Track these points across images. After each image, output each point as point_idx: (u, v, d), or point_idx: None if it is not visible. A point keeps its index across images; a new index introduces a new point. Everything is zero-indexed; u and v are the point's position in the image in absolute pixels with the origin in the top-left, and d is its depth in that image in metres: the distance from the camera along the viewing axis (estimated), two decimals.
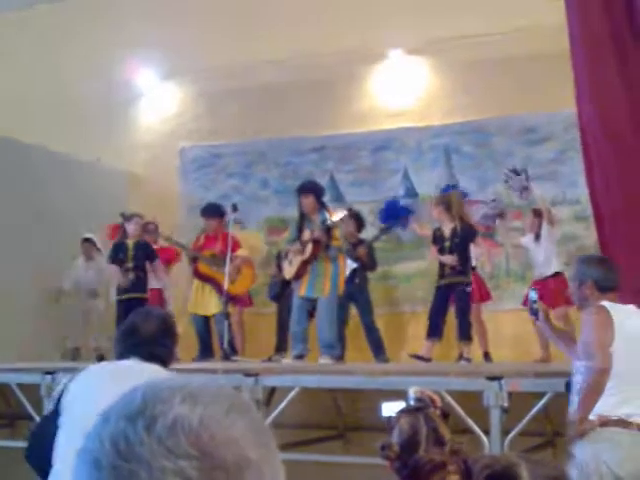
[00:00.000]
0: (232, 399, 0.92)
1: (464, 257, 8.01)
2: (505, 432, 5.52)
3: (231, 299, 8.80)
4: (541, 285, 8.09)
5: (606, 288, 4.31)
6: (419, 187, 10.27)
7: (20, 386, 7.34)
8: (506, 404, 5.54)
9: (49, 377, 7.16)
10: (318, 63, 10.28)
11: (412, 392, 2.94)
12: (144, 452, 0.83)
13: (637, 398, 4.20)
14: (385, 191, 10.42)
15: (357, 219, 9.24)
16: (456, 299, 7.93)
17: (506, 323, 9.22)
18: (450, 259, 7.96)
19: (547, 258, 8.23)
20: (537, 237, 8.34)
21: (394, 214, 9.95)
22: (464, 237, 8.05)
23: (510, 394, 5.59)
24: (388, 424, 2.82)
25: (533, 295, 5.22)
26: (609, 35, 6.08)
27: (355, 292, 8.96)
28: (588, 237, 9.11)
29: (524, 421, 5.67)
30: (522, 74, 9.71)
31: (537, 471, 1.11)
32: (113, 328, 9.02)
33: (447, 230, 8.10)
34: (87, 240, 9.89)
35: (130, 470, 0.83)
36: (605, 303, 4.26)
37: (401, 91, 10.66)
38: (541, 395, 5.73)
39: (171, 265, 9.85)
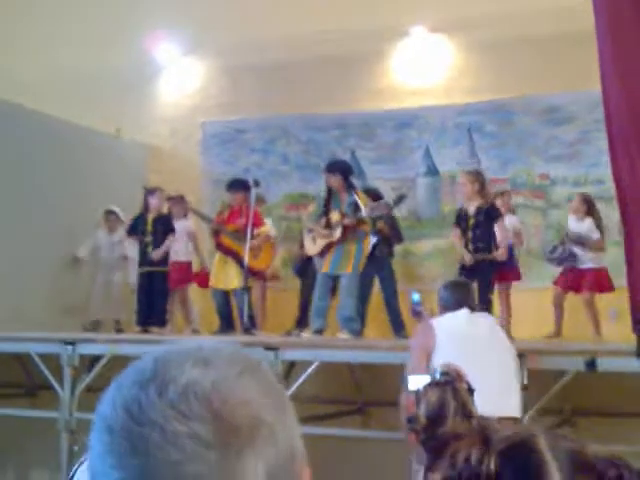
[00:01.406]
0: (245, 362, 0.92)
1: (488, 235, 7.98)
2: (524, 410, 5.53)
3: (253, 274, 8.82)
4: (577, 272, 8.17)
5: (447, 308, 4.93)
6: (440, 166, 10.25)
7: (40, 356, 7.39)
8: (525, 381, 5.56)
9: (70, 347, 7.21)
10: (341, 39, 10.25)
11: (439, 366, 2.97)
12: (157, 416, 0.83)
13: None
14: (406, 168, 10.41)
15: (375, 194, 9.23)
16: (479, 276, 7.89)
17: (526, 302, 9.21)
18: (469, 258, 7.93)
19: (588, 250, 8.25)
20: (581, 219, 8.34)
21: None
22: (489, 216, 8.00)
23: (529, 372, 5.61)
24: (416, 397, 2.85)
25: (416, 297, 5.66)
26: (635, 14, 6.02)
27: (377, 266, 8.96)
28: (611, 217, 9.09)
29: (544, 399, 5.68)
30: (546, 53, 9.66)
31: (557, 444, 1.12)
32: (133, 301, 9.14)
33: (472, 208, 8.04)
34: (111, 212, 9.92)
35: (142, 433, 0.83)
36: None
37: (424, 69, 10.62)
38: (561, 374, 5.74)
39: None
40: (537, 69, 9.72)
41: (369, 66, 10.76)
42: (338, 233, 8.03)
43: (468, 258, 7.94)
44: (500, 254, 7.93)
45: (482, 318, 5.04)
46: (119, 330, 9.59)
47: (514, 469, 1.06)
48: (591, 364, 5.51)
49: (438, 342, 4.64)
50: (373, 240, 8.83)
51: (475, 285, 7.82)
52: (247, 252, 8.41)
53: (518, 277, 8.75)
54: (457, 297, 4.90)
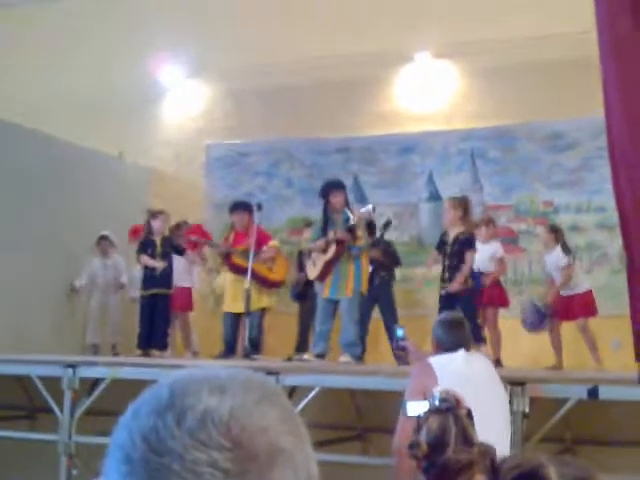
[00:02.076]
0: (262, 388, 0.92)
1: (458, 264, 7.91)
2: (526, 438, 5.51)
3: (270, 286, 8.78)
4: (566, 300, 8.17)
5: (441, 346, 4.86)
6: (443, 191, 10.25)
7: (41, 378, 7.37)
8: (527, 409, 5.53)
9: (70, 370, 7.19)
10: (345, 64, 10.30)
11: (437, 392, 2.95)
12: (176, 445, 0.83)
13: None
14: (409, 193, 10.42)
15: (368, 223, 9.26)
16: (461, 305, 7.86)
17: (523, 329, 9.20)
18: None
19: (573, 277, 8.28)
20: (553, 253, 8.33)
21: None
22: (463, 244, 7.95)
23: (531, 400, 5.59)
24: (417, 424, 2.83)
25: (399, 332, 5.63)
26: (638, 41, 6.04)
27: (376, 293, 8.97)
28: (612, 245, 9.10)
29: (546, 427, 5.65)
30: (550, 79, 9.69)
31: (565, 471, 1.11)
32: (132, 324, 9.13)
33: (452, 235, 8.03)
34: (103, 237, 9.93)
35: (162, 464, 0.83)
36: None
37: (428, 94, 10.65)
38: (562, 402, 5.71)
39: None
40: (540, 95, 9.75)
41: (373, 91, 10.79)
42: (333, 248, 8.04)
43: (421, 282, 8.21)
44: (453, 286, 7.85)
45: (478, 361, 4.97)
46: (116, 354, 9.58)
47: None
48: (593, 392, 5.48)
49: (439, 383, 4.57)
50: (370, 268, 8.82)
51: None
52: (250, 267, 8.33)
53: (505, 303, 8.70)
54: (453, 337, 4.85)
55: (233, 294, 8.98)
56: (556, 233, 8.36)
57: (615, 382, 5.93)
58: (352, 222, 8.00)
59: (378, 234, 9.15)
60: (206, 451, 0.83)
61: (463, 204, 8.15)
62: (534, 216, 9.90)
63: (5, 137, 9.32)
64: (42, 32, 11.36)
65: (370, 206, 8.29)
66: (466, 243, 7.95)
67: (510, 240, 9.58)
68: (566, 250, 8.24)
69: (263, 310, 8.80)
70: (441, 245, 8.18)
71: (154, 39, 11.15)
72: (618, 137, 6.13)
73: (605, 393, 5.57)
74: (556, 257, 8.26)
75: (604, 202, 8.88)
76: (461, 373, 4.54)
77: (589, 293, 8.25)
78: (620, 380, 5.98)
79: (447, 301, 7.83)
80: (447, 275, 7.96)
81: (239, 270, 8.91)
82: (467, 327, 5.04)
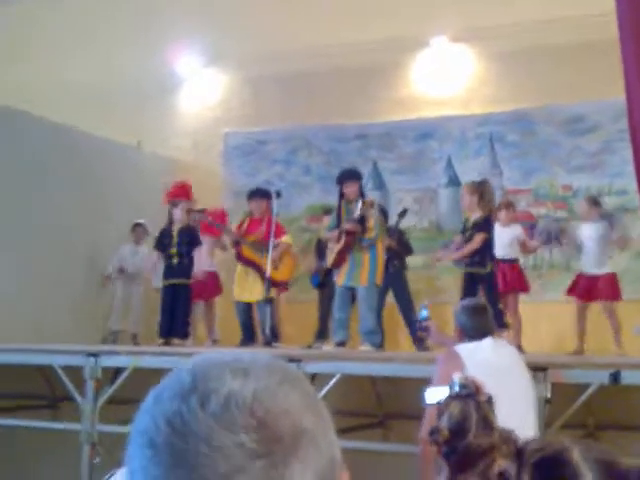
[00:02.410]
0: (284, 371, 0.92)
1: (481, 249, 7.87)
2: (547, 424, 5.48)
3: (274, 285, 8.79)
4: (588, 279, 8.07)
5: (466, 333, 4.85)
6: (462, 176, 10.21)
7: (62, 368, 7.40)
8: (549, 395, 5.51)
9: (92, 359, 7.22)
10: (362, 50, 10.26)
11: (457, 379, 2.94)
12: (201, 429, 0.84)
13: None
14: (428, 179, 10.39)
15: (381, 211, 9.27)
16: (483, 288, 7.86)
17: (548, 314, 9.16)
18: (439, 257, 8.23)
19: (603, 254, 8.21)
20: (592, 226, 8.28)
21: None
22: (477, 227, 7.94)
23: (553, 385, 5.57)
24: (438, 410, 2.82)
25: (424, 313, 5.58)
26: None
27: (390, 280, 8.98)
28: (634, 228, 9.05)
29: (568, 413, 5.62)
30: (567, 62, 9.62)
31: (589, 454, 1.10)
32: (153, 313, 9.16)
33: (471, 220, 8.03)
34: (138, 225, 9.99)
35: (188, 446, 0.84)
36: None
37: (445, 79, 10.61)
38: (584, 387, 5.69)
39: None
40: (559, 78, 9.68)
41: (390, 77, 10.76)
42: (342, 239, 8.06)
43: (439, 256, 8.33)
44: (438, 254, 8.35)
45: (505, 348, 4.97)
46: (136, 343, 9.62)
47: None
48: (615, 377, 5.45)
49: (467, 372, 4.53)
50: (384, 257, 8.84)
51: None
52: (269, 263, 8.38)
53: (525, 288, 8.66)
54: (477, 323, 4.84)
55: (242, 282, 9.00)
56: (597, 205, 8.30)
57: (637, 367, 5.89)
58: (358, 213, 8.02)
59: (394, 223, 9.15)
60: (231, 433, 0.83)
61: (480, 189, 8.10)
62: (553, 200, 9.84)
63: (25, 128, 9.36)
64: (60, 21, 11.36)
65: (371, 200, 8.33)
66: (479, 226, 7.94)
67: (530, 224, 9.51)
68: (609, 222, 8.17)
69: (271, 299, 8.75)
70: (463, 230, 8.18)
71: (171, 28, 11.14)
72: (638, 115, 6.07)
73: (627, 378, 5.54)
74: (595, 230, 8.21)
75: (626, 185, 8.81)
76: (489, 361, 4.53)
77: (613, 275, 8.19)
78: None
79: (470, 286, 7.81)
80: (467, 260, 7.93)
81: (246, 262, 8.94)
82: (490, 313, 5.02)
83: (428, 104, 10.57)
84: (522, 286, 8.62)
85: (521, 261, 8.80)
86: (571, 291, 8.34)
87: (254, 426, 0.84)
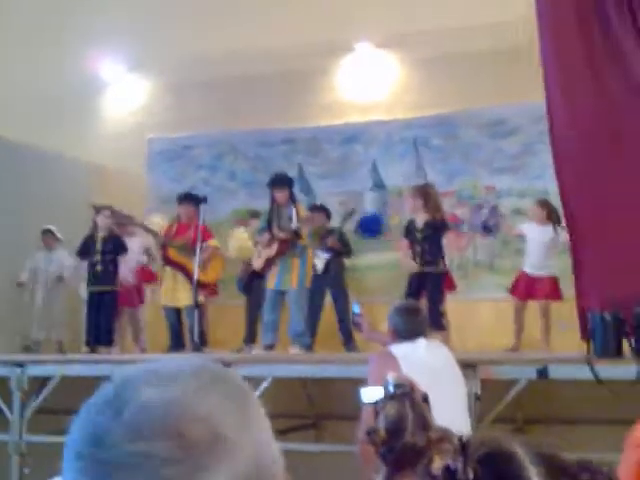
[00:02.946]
0: (208, 376, 0.92)
1: (436, 248, 8.08)
2: (478, 420, 5.59)
3: (203, 287, 8.77)
4: (530, 279, 8.24)
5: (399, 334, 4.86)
6: (387, 180, 10.33)
7: None
8: (479, 391, 5.62)
9: (18, 369, 7.11)
10: (287, 55, 10.28)
11: (391, 378, 2.98)
12: (115, 439, 0.84)
13: None
14: (354, 183, 10.46)
15: (324, 210, 9.38)
16: (428, 288, 7.99)
17: (474, 312, 9.33)
18: (414, 267, 8.08)
19: (546, 256, 8.29)
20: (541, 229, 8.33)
21: (372, 229, 9.96)
22: (437, 229, 8.11)
23: (482, 381, 5.68)
24: (374, 410, 2.86)
25: (356, 308, 5.71)
26: (579, 27, 6.15)
27: (330, 282, 9.05)
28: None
29: (498, 408, 5.74)
30: (488, 67, 9.75)
31: (531, 449, 1.13)
32: (77, 320, 9.05)
33: (420, 222, 8.14)
34: (47, 231, 9.82)
35: (105, 457, 0.84)
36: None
37: (369, 84, 10.69)
38: (512, 383, 5.82)
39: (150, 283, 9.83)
40: (479, 83, 9.82)
41: (315, 82, 10.81)
42: (275, 247, 8.13)
43: (414, 266, 8.07)
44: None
45: (438, 348, 5.02)
46: (62, 351, 9.49)
47: (494, 477, 1.06)
48: (543, 372, 5.59)
49: (402, 372, 4.57)
50: (326, 256, 8.90)
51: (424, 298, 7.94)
52: (197, 268, 8.34)
53: (452, 287, 8.81)
54: (411, 324, 4.87)
55: (170, 287, 8.95)
56: (547, 208, 8.31)
57: (564, 361, 6.05)
58: (296, 224, 8.09)
59: (339, 223, 9.24)
60: (142, 442, 0.83)
61: (423, 192, 8.27)
62: (477, 201, 10.01)
63: None
64: None
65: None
66: (441, 227, 8.16)
67: (455, 226, 9.66)
68: (559, 227, 8.14)
69: (199, 305, 8.72)
70: (409, 232, 8.27)
71: (93, 33, 10.99)
72: (560, 127, 6.25)
73: (555, 373, 5.69)
74: (543, 232, 8.25)
75: (546, 186, 8.99)
76: (423, 361, 4.56)
77: (555, 278, 8.23)
78: (569, 359, 6.11)
79: (417, 284, 7.96)
80: (420, 260, 8.06)
81: (173, 264, 8.89)
82: (424, 314, 5.07)
83: (353, 109, 10.65)
84: (450, 285, 8.75)
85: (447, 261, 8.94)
86: (513, 290, 8.41)
87: (166, 434, 0.84)
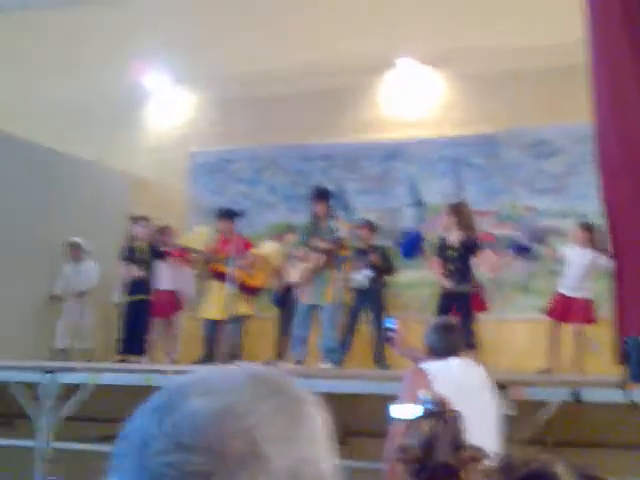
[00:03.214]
0: (259, 386, 0.89)
1: (466, 267, 8.00)
2: (508, 440, 5.49)
3: (249, 292, 8.71)
4: (566, 301, 8.14)
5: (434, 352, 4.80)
6: (427, 197, 10.26)
7: (18, 384, 7.28)
8: (510, 412, 5.52)
9: (49, 376, 7.12)
10: (329, 71, 10.30)
11: (424, 396, 2.92)
12: (156, 446, 0.84)
13: None
14: (393, 199, 10.42)
15: (370, 226, 9.32)
16: (457, 308, 7.92)
17: (508, 333, 9.24)
18: (447, 284, 8.02)
19: (584, 279, 8.19)
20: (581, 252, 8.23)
21: (413, 245, 9.84)
22: (469, 248, 8.04)
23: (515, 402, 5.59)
24: (407, 427, 2.80)
25: (390, 323, 5.61)
26: (630, 48, 6.04)
27: (369, 299, 8.99)
28: None
29: (527, 430, 5.64)
30: (532, 86, 9.72)
31: (573, 469, 1.07)
32: (106, 330, 9.07)
33: (453, 240, 8.08)
34: (74, 244, 9.91)
35: (146, 463, 0.84)
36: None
37: (411, 101, 10.65)
38: (543, 404, 5.73)
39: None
40: (524, 102, 9.76)
41: (356, 98, 10.79)
42: (322, 259, 8.03)
43: (447, 284, 8.00)
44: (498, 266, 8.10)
45: (472, 367, 4.93)
46: (89, 360, 9.52)
47: None
48: (576, 395, 5.49)
49: (434, 390, 4.48)
50: (367, 273, 8.85)
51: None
52: (233, 275, 8.32)
53: (483, 308, 8.69)
54: (447, 342, 4.81)
55: (212, 301, 8.96)
56: (589, 231, 8.25)
57: (597, 384, 5.95)
58: (339, 234, 8.03)
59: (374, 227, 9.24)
60: (181, 453, 0.82)
61: (458, 210, 8.21)
62: (516, 221, 9.89)
63: None
64: (28, 39, 11.28)
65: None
66: (474, 246, 8.06)
67: (490, 246, 9.55)
68: (603, 251, 8.12)
69: (242, 317, 8.75)
70: (441, 250, 8.21)
71: (140, 44, 11.07)
72: (607, 145, 6.13)
73: (587, 396, 5.59)
74: (583, 256, 8.17)
75: (587, 208, 8.88)
76: (456, 380, 4.49)
77: (590, 301, 8.16)
78: (602, 383, 6.00)
79: (447, 303, 7.88)
80: (451, 278, 8.00)
81: (220, 276, 8.87)
82: (459, 332, 5.00)
83: (393, 125, 10.61)
84: (482, 306, 8.67)
85: (484, 281, 8.85)
86: (549, 312, 8.33)
87: (205, 447, 0.82)
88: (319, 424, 0.92)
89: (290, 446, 0.86)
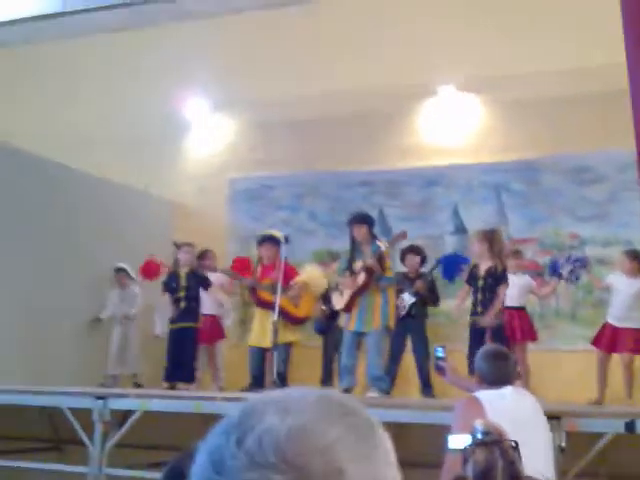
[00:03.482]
0: (331, 406, 0.91)
1: (491, 298, 7.82)
2: (562, 473, 5.46)
3: (296, 322, 8.76)
4: (614, 330, 8.07)
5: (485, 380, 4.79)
6: (468, 224, 10.25)
7: (70, 410, 7.36)
8: (564, 444, 5.49)
9: (101, 402, 7.20)
10: (369, 98, 10.37)
11: (479, 425, 2.94)
12: (234, 465, 0.85)
13: None
14: (434, 226, 10.42)
15: (418, 252, 9.31)
16: (489, 337, 7.78)
17: (555, 363, 9.15)
18: (455, 314, 8.16)
19: (632, 308, 8.10)
20: (629, 281, 8.13)
21: (454, 267, 9.81)
22: (496, 279, 7.85)
23: (567, 434, 5.55)
24: (462, 457, 2.82)
25: (439, 352, 5.53)
26: None
27: (412, 327, 8.98)
28: None
29: (581, 462, 5.60)
30: (574, 113, 9.68)
31: None
32: (152, 356, 9.14)
33: (483, 268, 7.93)
34: (120, 269, 10.04)
35: None
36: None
37: (451, 127, 10.68)
38: (597, 436, 5.67)
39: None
40: (565, 128, 9.74)
41: (397, 124, 10.83)
42: (362, 277, 7.98)
43: (455, 314, 8.17)
44: (485, 320, 7.71)
45: (524, 396, 4.90)
46: (138, 385, 9.60)
47: None
48: (631, 426, 5.44)
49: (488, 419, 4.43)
50: (411, 299, 8.84)
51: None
52: (278, 304, 8.30)
53: (534, 337, 8.63)
54: (498, 370, 4.80)
55: (259, 328, 8.92)
56: (637, 260, 8.13)
57: None
58: (382, 248, 7.94)
59: (429, 269, 9.20)
60: (261, 471, 0.83)
61: (489, 237, 8.04)
62: (559, 249, 9.85)
63: (32, 170, 9.40)
64: (69, 63, 11.52)
65: (400, 234, 8.32)
66: (500, 277, 7.85)
67: (536, 273, 9.53)
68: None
69: (289, 344, 8.78)
70: (471, 278, 8.09)
71: (178, 73, 11.26)
72: None
73: None
74: (631, 285, 8.08)
75: (631, 236, 8.85)
76: (509, 409, 4.47)
77: (638, 330, 8.04)
78: None
79: (477, 335, 7.75)
80: (479, 309, 7.85)
81: (265, 304, 8.87)
82: (512, 361, 4.97)
83: (434, 152, 10.63)
84: (531, 335, 8.61)
85: (529, 309, 8.80)
86: (597, 342, 8.22)
87: (284, 465, 0.83)
88: (390, 447, 0.94)
89: (368, 465, 0.88)
